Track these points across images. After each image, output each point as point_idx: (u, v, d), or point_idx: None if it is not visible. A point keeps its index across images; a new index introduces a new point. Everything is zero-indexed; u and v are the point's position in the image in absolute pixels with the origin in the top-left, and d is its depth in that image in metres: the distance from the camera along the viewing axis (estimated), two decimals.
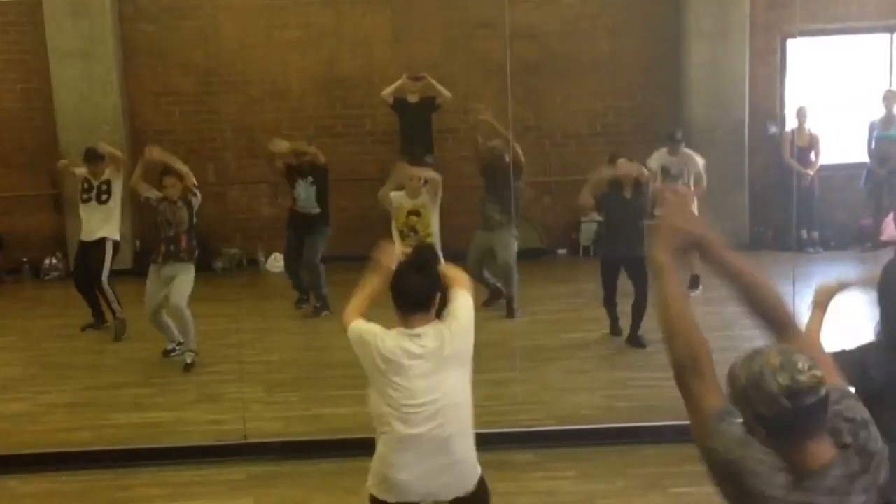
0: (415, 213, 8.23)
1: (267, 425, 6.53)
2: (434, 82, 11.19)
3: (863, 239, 11.69)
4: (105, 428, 6.66)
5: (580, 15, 12.08)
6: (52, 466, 6.09)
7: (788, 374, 2.36)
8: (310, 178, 9.56)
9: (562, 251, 12.29)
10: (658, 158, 9.75)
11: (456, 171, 11.71)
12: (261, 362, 7.84)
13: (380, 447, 3.97)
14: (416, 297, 3.90)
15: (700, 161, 9.78)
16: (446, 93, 11.12)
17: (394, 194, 8.34)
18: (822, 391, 2.32)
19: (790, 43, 12.03)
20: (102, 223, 9.04)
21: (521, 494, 5.34)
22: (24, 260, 12.06)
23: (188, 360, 7.92)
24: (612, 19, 12.09)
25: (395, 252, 4.16)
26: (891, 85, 11.84)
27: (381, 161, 11.89)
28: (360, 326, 4.00)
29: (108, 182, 9.11)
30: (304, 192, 9.58)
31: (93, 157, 9.17)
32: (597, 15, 12.10)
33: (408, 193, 8.31)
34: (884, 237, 11.47)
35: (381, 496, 3.92)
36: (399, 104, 11.29)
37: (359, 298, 4.11)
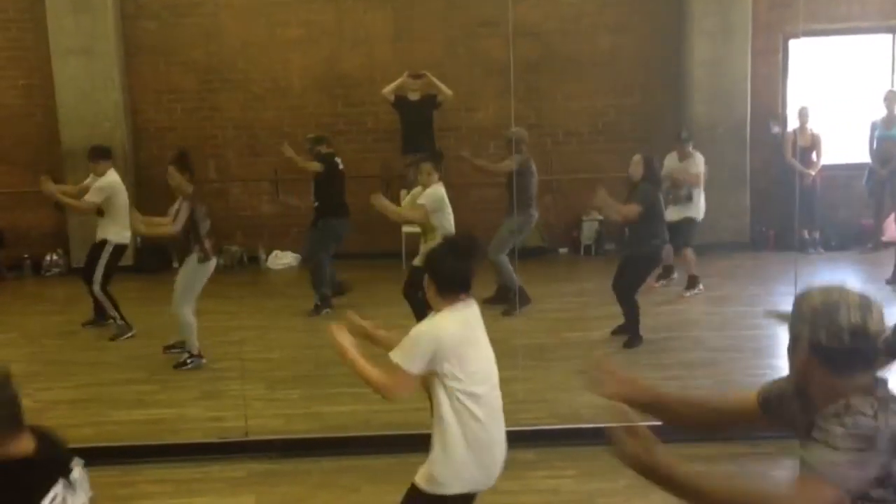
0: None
1: (268, 423, 6.53)
2: (435, 80, 11.19)
3: (864, 239, 11.70)
4: (107, 424, 6.66)
5: (581, 13, 12.09)
6: None
7: (861, 314, 2.40)
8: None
9: (563, 250, 12.30)
10: (667, 164, 9.73)
11: (457, 170, 11.72)
12: (262, 359, 7.84)
13: (465, 438, 3.92)
14: (461, 280, 3.92)
15: (701, 162, 9.80)
16: (447, 91, 11.12)
17: (411, 195, 8.18)
18: (881, 341, 2.35)
19: (792, 42, 12.04)
20: (105, 224, 8.98)
21: (522, 493, 5.34)
22: (26, 256, 12.07)
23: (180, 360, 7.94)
24: (614, 18, 12.09)
25: (349, 327, 4.18)
26: (892, 85, 11.85)
27: (383, 159, 11.92)
28: (415, 362, 3.95)
29: None
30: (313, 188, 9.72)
31: (94, 155, 9.12)
32: (598, 13, 12.10)
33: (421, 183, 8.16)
34: (885, 237, 11.48)
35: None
36: (400, 102, 11.29)
37: (361, 365, 4.19)
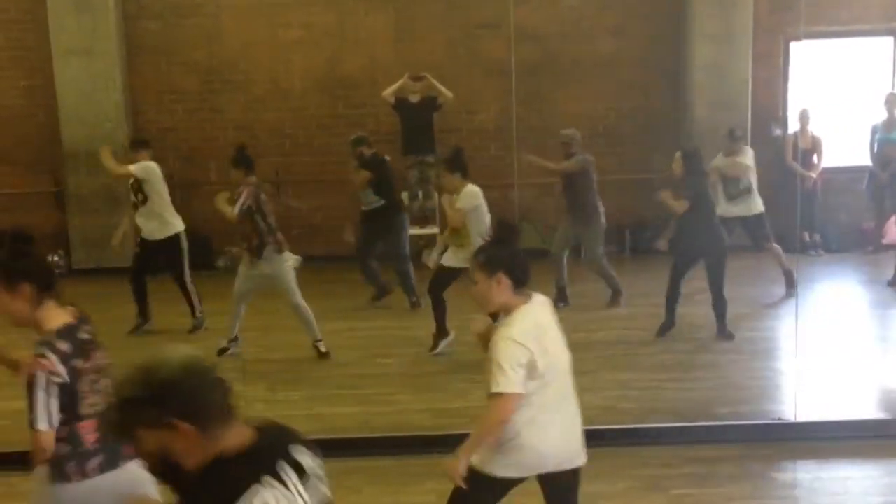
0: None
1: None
2: (435, 82, 11.20)
3: (864, 242, 11.71)
4: None
5: (582, 16, 12.09)
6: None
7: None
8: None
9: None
10: (714, 163, 9.74)
11: None
12: (263, 360, 7.84)
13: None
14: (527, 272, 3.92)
15: (750, 156, 9.85)
16: (448, 93, 11.14)
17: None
18: None
19: (793, 46, 12.04)
20: (163, 218, 8.99)
21: (521, 495, 5.32)
22: None
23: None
24: (615, 21, 12.09)
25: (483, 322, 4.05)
26: (893, 88, 11.86)
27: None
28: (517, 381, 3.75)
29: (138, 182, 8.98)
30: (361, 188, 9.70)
31: (135, 146, 9.25)
32: (599, 16, 12.10)
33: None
34: (885, 240, 11.48)
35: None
36: (400, 104, 11.30)
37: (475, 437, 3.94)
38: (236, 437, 2.26)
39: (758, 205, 9.69)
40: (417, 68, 11.46)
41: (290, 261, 7.91)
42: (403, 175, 11.31)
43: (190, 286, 8.96)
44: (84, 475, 3.61)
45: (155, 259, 9.05)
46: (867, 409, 6.73)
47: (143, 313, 9.00)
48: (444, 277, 7.99)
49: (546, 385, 3.83)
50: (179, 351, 2.26)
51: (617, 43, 12.08)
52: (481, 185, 8.05)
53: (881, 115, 11.45)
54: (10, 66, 12.20)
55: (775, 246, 9.58)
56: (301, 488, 2.28)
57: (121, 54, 11.98)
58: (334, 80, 12.20)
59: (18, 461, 6.15)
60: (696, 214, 8.12)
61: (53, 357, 3.48)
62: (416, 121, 11.31)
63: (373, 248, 9.76)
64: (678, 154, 8.42)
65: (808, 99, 11.73)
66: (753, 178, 9.66)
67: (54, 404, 3.50)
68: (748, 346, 8.18)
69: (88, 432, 3.61)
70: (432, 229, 11.51)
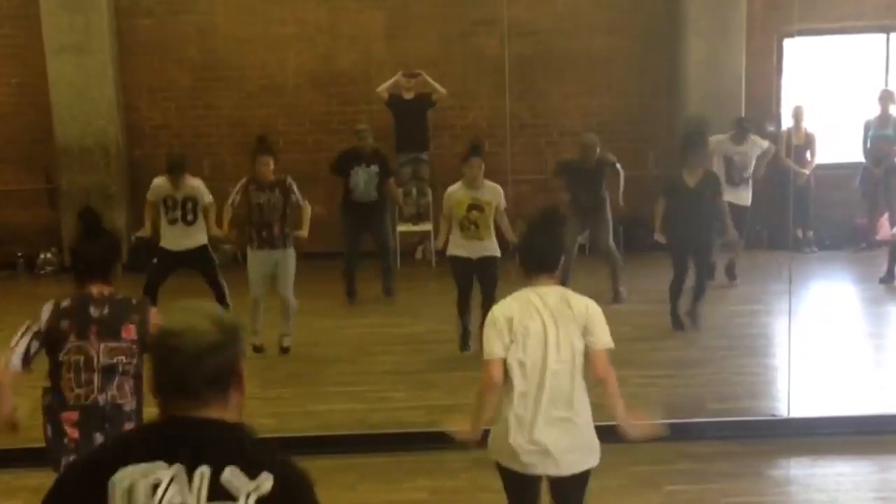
0: (477, 207, 7.72)
1: (261, 421, 6.50)
2: (429, 79, 11.19)
3: (858, 238, 11.72)
4: None
5: (577, 12, 12.08)
6: (48, 461, 6.08)
7: None
8: (374, 168, 9.66)
9: None
10: (718, 146, 9.88)
11: (452, 169, 11.71)
12: (255, 357, 7.83)
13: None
14: (543, 258, 4.03)
15: (765, 144, 10.10)
16: (441, 89, 11.13)
17: (448, 190, 7.95)
18: None
19: (787, 42, 12.06)
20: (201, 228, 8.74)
21: None
22: (19, 255, 12.04)
23: (285, 344, 8.07)
24: (609, 17, 12.09)
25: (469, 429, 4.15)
26: (886, 84, 11.87)
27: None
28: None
29: (193, 199, 8.63)
30: (364, 180, 9.65)
31: (174, 167, 8.66)
32: (593, 13, 12.10)
33: (466, 184, 7.82)
34: (879, 236, 11.49)
35: None
36: (394, 101, 11.28)
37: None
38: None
39: (750, 197, 9.99)
40: (411, 65, 11.46)
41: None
42: (397, 172, 11.30)
43: (222, 281, 8.76)
44: (58, 468, 3.76)
45: (175, 268, 8.89)
46: (860, 406, 6.74)
47: None
48: (468, 269, 7.87)
49: (526, 377, 3.89)
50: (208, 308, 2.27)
51: (611, 39, 12.08)
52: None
53: (874, 112, 11.45)
54: (2, 63, 12.17)
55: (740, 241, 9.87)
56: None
57: (113, 51, 11.94)
58: (328, 77, 12.19)
59: (14, 459, 6.16)
60: (704, 202, 8.34)
61: (45, 306, 3.98)
62: (410, 117, 11.30)
63: (359, 240, 9.79)
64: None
65: (801, 95, 11.74)
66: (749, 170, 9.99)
67: (20, 345, 3.89)
68: (742, 342, 8.20)
69: (71, 425, 3.81)
70: (426, 226, 11.51)
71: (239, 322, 2.26)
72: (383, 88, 11.17)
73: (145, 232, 8.84)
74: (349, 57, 12.15)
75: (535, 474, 4.02)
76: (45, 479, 5.87)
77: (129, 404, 3.96)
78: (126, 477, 2.04)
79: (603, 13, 12.10)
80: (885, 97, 11.40)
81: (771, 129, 12.05)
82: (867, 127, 11.49)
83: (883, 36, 12.15)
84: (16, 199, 12.13)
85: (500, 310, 3.99)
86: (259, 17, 12.06)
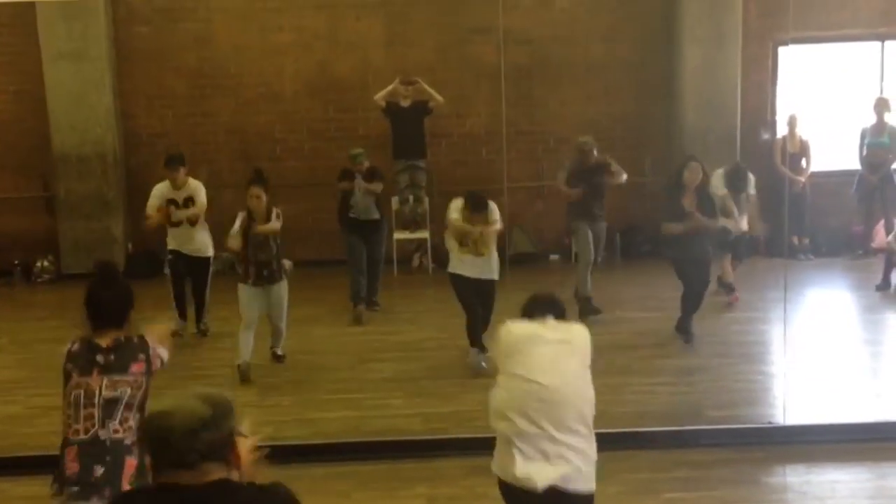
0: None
1: (259, 429, 6.51)
2: (426, 86, 11.21)
3: (853, 246, 11.74)
4: None
5: (573, 20, 12.11)
6: (44, 469, 6.04)
7: None
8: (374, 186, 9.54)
9: (554, 257, 12.29)
10: (720, 181, 9.49)
11: (449, 176, 11.76)
12: (253, 366, 7.82)
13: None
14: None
15: (752, 179, 9.73)
16: (438, 97, 11.15)
17: (453, 205, 7.89)
18: None
19: (782, 50, 12.09)
20: (204, 235, 8.99)
21: None
22: (16, 262, 12.02)
23: (279, 353, 8.10)
24: (605, 25, 12.12)
25: None
26: (881, 92, 11.90)
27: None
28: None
29: (193, 200, 8.87)
30: (363, 199, 9.51)
31: (171, 160, 8.95)
32: (590, 20, 12.13)
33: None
34: (874, 244, 11.51)
35: None
36: (391, 108, 11.29)
37: None
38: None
39: (746, 223, 9.73)
40: (408, 72, 11.48)
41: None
42: (394, 179, 11.32)
43: (207, 297, 9.02)
44: (61, 495, 3.98)
45: (187, 269, 8.99)
46: (857, 413, 6.75)
47: (184, 316, 9.02)
48: (468, 287, 7.83)
49: (521, 399, 4.04)
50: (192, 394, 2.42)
51: (607, 47, 12.11)
52: (472, 189, 8.06)
53: (870, 120, 11.49)
54: None
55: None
56: None
57: (111, 59, 11.94)
58: (325, 84, 12.20)
59: (9, 466, 6.15)
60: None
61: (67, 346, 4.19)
62: (407, 125, 11.31)
63: (363, 260, 9.55)
64: (696, 164, 8.44)
65: (796, 103, 11.77)
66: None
67: None
68: (738, 350, 8.21)
69: (71, 460, 3.99)
70: (423, 234, 11.52)
71: (229, 398, 2.41)
72: (380, 96, 11.18)
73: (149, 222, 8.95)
74: (347, 64, 12.17)
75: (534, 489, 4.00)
76: (37, 488, 5.86)
77: (129, 438, 4.01)
78: None
79: (599, 21, 12.13)
80: (881, 105, 11.44)
81: (766, 136, 12.09)
82: (863, 135, 11.53)
83: (878, 44, 12.18)
84: (13, 206, 12.12)
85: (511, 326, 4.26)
86: (257, 25, 12.07)
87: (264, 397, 7.27)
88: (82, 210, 11.81)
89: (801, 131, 11.65)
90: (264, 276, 7.76)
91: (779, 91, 12.28)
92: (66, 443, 4.04)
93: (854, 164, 11.63)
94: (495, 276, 7.80)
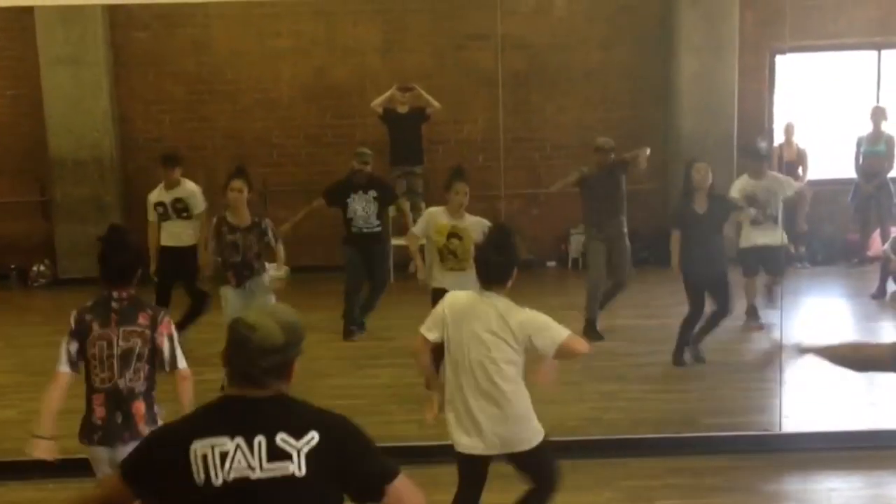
0: (456, 235, 7.31)
1: None
2: (424, 93, 11.22)
3: (850, 254, 11.76)
4: None
5: (571, 27, 12.14)
6: (39, 474, 6.06)
7: None
8: (372, 193, 9.08)
9: (551, 263, 12.30)
10: (740, 186, 8.96)
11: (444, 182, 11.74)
12: None
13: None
14: (492, 272, 4.51)
15: (793, 185, 9.13)
16: (436, 103, 11.15)
17: (431, 210, 7.62)
18: None
19: (779, 58, 12.12)
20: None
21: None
22: (12, 266, 12.02)
23: None
24: (603, 32, 12.15)
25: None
26: (878, 101, 11.93)
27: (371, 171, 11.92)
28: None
29: (183, 202, 8.83)
30: (361, 206, 9.08)
31: (172, 161, 8.92)
32: (587, 28, 12.16)
33: (449, 210, 7.42)
34: (871, 252, 11.53)
35: None
36: (389, 114, 11.30)
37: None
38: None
39: (781, 236, 8.92)
40: (406, 78, 11.49)
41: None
42: (398, 198, 11.28)
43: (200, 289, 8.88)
44: (89, 441, 4.44)
45: (176, 265, 8.86)
46: (852, 421, 6.75)
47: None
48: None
49: (456, 366, 4.51)
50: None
51: (604, 54, 12.14)
52: (469, 195, 7.97)
53: (866, 128, 11.51)
54: None
55: (762, 282, 9.18)
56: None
57: (108, 63, 11.96)
58: (322, 90, 12.21)
59: (2, 471, 6.14)
60: (720, 234, 7.93)
61: (74, 313, 4.45)
62: (405, 131, 11.31)
63: (363, 276, 9.14)
64: (704, 165, 7.92)
65: (793, 111, 11.79)
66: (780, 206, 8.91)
67: (64, 350, 4.41)
68: (735, 358, 8.20)
69: (98, 405, 4.40)
70: (420, 241, 11.50)
71: (302, 325, 2.80)
72: (378, 103, 11.18)
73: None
74: (344, 70, 12.18)
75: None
76: (31, 493, 5.84)
77: (140, 387, 4.43)
78: (200, 448, 2.56)
79: (596, 28, 12.16)
80: (877, 113, 11.47)
81: (763, 144, 12.09)
82: (859, 143, 11.55)
83: (874, 53, 12.22)
84: (9, 210, 12.12)
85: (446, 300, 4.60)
86: (254, 30, 12.09)
87: None
88: (79, 214, 11.80)
89: (798, 140, 11.67)
90: (244, 276, 7.52)
91: (775, 99, 12.30)
92: (92, 389, 4.42)
93: (850, 172, 11.65)
94: None
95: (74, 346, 4.41)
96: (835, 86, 12.20)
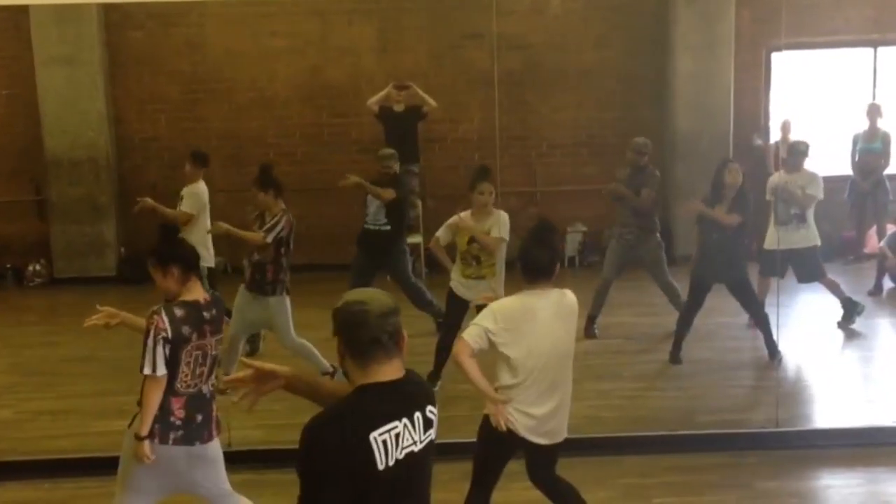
0: (477, 241, 7.17)
1: (251, 433, 6.51)
2: (420, 91, 11.20)
3: (846, 251, 11.76)
4: (89, 435, 6.62)
5: (566, 26, 12.14)
6: (35, 474, 6.06)
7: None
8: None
9: None
10: (773, 181, 8.96)
11: (442, 181, 11.76)
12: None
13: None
14: (540, 268, 4.59)
15: (819, 187, 8.86)
16: (432, 102, 11.13)
17: (459, 215, 7.31)
18: None
19: (775, 56, 12.14)
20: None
21: None
22: (8, 266, 12.00)
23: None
24: (598, 31, 12.15)
25: None
26: (874, 98, 11.95)
27: (367, 170, 11.91)
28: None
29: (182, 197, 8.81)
30: (375, 205, 8.83)
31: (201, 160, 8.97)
32: (583, 26, 12.16)
33: (473, 211, 7.25)
34: (866, 249, 11.54)
35: None
36: (384, 113, 11.28)
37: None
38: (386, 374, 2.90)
39: (815, 235, 8.80)
40: (401, 77, 11.47)
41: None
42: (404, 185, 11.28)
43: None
44: (164, 440, 4.42)
45: None
46: (849, 418, 6.76)
47: None
48: (462, 309, 7.30)
49: (524, 369, 4.52)
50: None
51: (600, 53, 12.14)
52: (465, 195, 7.94)
53: (862, 125, 11.53)
54: None
55: (831, 279, 8.95)
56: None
57: (104, 63, 11.94)
58: (318, 89, 12.20)
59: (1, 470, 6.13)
60: (741, 233, 7.79)
61: (165, 316, 4.32)
62: (401, 130, 11.28)
63: (368, 276, 8.79)
64: (735, 165, 7.85)
65: (789, 109, 11.80)
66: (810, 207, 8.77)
67: (159, 354, 4.32)
68: (728, 356, 8.21)
69: (178, 408, 4.46)
70: (415, 238, 11.50)
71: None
72: (373, 101, 11.16)
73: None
74: (340, 69, 12.17)
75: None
76: (28, 493, 5.83)
77: (211, 388, 4.64)
78: (378, 434, 2.80)
79: (592, 27, 12.15)
80: (873, 111, 11.49)
81: (759, 142, 12.12)
82: (855, 140, 11.56)
83: (870, 50, 12.24)
84: (5, 210, 12.10)
85: (498, 310, 4.61)
86: (250, 30, 12.07)
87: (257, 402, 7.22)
88: (74, 214, 11.79)
89: (794, 137, 11.67)
90: (255, 281, 7.37)
91: (772, 97, 12.31)
92: (173, 392, 4.44)
93: (846, 169, 11.66)
94: None
95: (167, 351, 4.37)
96: (831, 83, 12.21)
